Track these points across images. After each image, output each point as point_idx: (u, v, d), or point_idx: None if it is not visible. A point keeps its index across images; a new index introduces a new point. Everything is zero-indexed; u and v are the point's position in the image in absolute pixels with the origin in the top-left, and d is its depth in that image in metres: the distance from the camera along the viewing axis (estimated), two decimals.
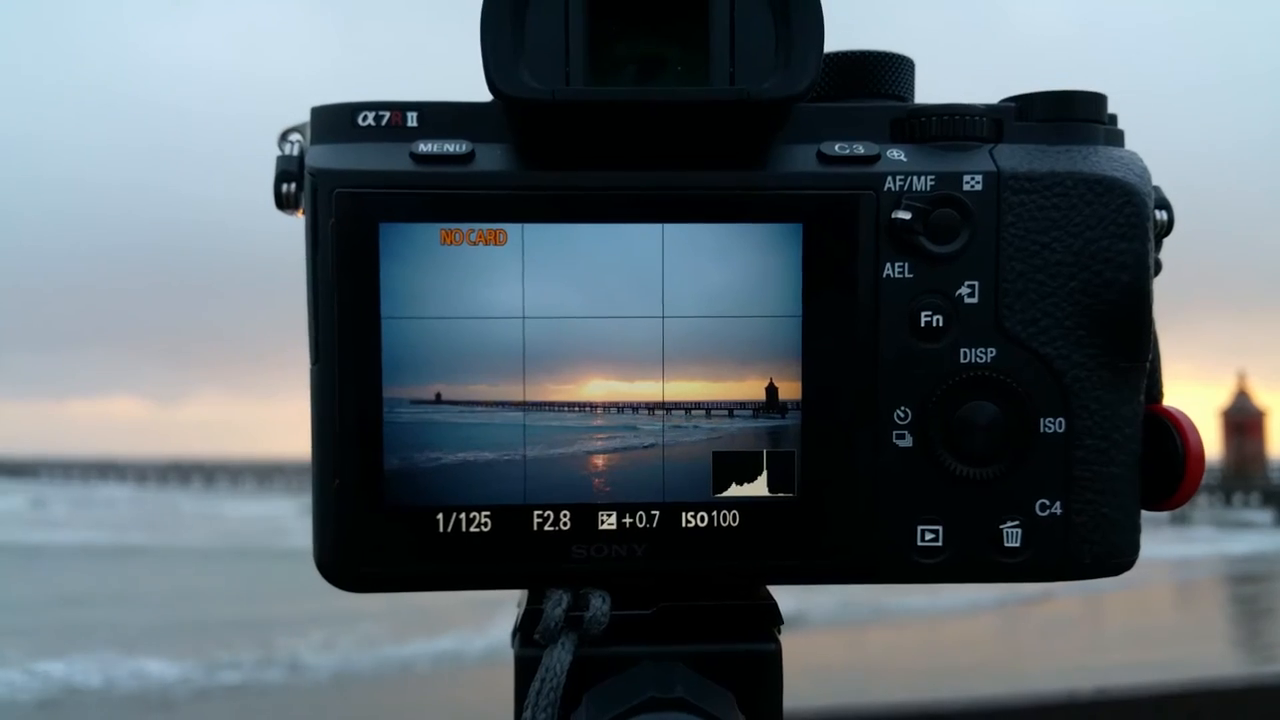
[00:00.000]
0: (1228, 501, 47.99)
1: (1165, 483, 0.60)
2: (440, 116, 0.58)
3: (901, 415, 0.57)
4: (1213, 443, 50.61)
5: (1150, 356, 0.59)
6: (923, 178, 0.57)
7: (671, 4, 0.54)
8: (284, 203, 0.59)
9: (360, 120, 0.57)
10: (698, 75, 0.54)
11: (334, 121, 0.58)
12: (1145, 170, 0.60)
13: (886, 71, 0.63)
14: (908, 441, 0.57)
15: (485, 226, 0.55)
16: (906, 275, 0.57)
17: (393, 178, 0.55)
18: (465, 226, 0.55)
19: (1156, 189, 0.61)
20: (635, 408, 0.56)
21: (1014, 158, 0.58)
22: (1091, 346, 0.58)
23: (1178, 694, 1.86)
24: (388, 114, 0.58)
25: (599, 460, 0.56)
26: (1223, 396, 52.63)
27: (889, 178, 0.57)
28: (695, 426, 0.57)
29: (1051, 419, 0.58)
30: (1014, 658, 13.44)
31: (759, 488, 0.57)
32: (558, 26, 0.53)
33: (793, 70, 0.53)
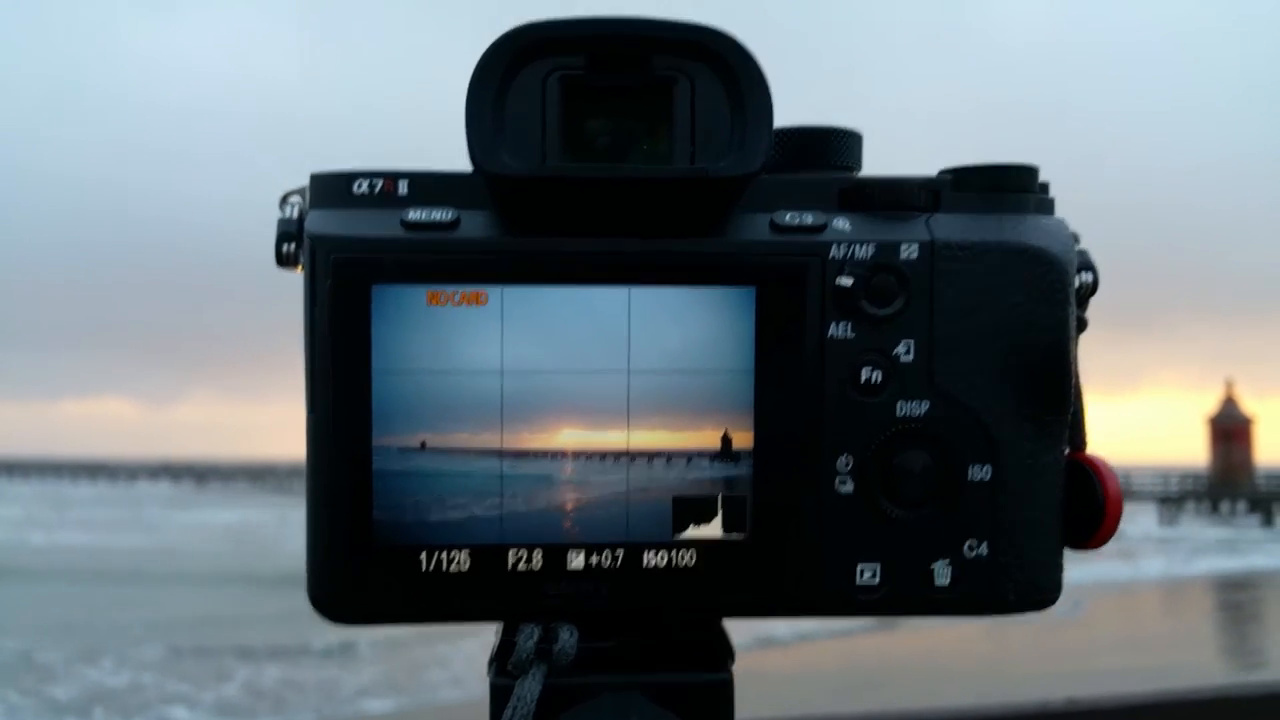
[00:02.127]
0: (1215, 509, 48.16)
1: (1087, 525, 0.65)
2: (429, 185, 0.63)
3: (844, 463, 0.63)
4: (1200, 450, 50.75)
5: (1072, 409, 0.65)
6: (864, 246, 0.62)
7: (639, 89, 0.60)
8: (284, 261, 0.64)
9: (356, 188, 0.63)
10: (662, 154, 0.60)
11: (331, 188, 0.63)
12: (1069, 238, 0.66)
13: (835, 145, 0.69)
14: (849, 487, 0.63)
15: (468, 288, 0.60)
16: (849, 335, 0.62)
17: (385, 244, 0.60)
18: (450, 288, 0.60)
19: (1082, 252, 0.67)
20: (603, 455, 0.62)
21: (948, 227, 0.64)
22: (1016, 401, 0.63)
23: (1149, 704, 1.91)
24: (381, 181, 0.63)
25: (569, 503, 0.61)
26: (1210, 404, 52.85)
27: (834, 246, 0.62)
28: (657, 472, 0.62)
29: (979, 466, 0.63)
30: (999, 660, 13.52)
31: (714, 529, 0.62)
32: (535, 109, 0.59)
33: (747, 151, 0.58)
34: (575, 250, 0.61)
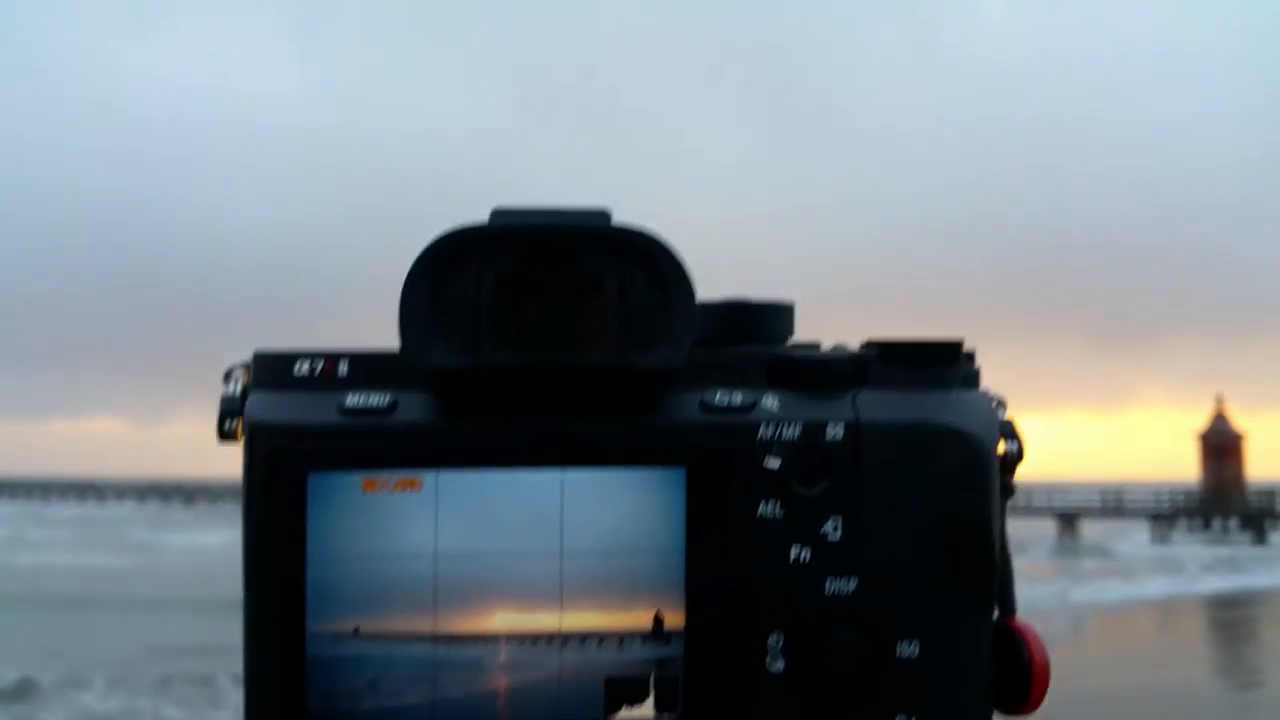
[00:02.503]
0: (1207, 525, 48.23)
1: (1016, 692, 0.67)
2: (369, 366, 0.64)
3: (775, 641, 0.64)
4: (1191, 466, 50.78)
5: (998, 580, 0.66)
6: (792, 425, 0.64)
7: (570, 283, 0.61)
8: (225, 435, 0.65)
9: (296, 370, 0.64)
10: (593, 345, 0.61)
11: (273, 369, 0.64)
12: (992, 413, 0.67)
13: (766, 319, 0.70)
14: (780, 665, 0.64)
15: (404, 474, 0.62)
16: (778, 514, 0.64)
17: (322, 431, 0.62)
18: (385, 474, 0.61)
19: (1005, 423, 0.68)
20: (535, 638, 0.62)
21: (874, 405, 0.65)
22: (943, 577, 0.64)
23: None
24: (322, 363, 0.64)
25: (502, 688, 0.62)
26: (1200, 420, 53.00)
27: (763, 425, 0.64)
28: (589, 654, 0.63)
29: (908, 643, 0.64)
30: None
31: (646, 710, 0.63)
32: (469, 303, 0.60)
33: (674, 344, 0.60)
34: (509, 434, 0.62)
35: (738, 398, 0.64)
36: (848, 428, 0.64)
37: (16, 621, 17.52)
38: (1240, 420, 52.36)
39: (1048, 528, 46.09)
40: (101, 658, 14.16)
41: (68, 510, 75.28)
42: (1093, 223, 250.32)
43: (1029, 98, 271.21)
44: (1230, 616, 22.76)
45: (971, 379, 0.68)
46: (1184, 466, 53.62)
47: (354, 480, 0.61)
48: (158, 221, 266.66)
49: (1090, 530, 46.25)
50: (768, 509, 0.63)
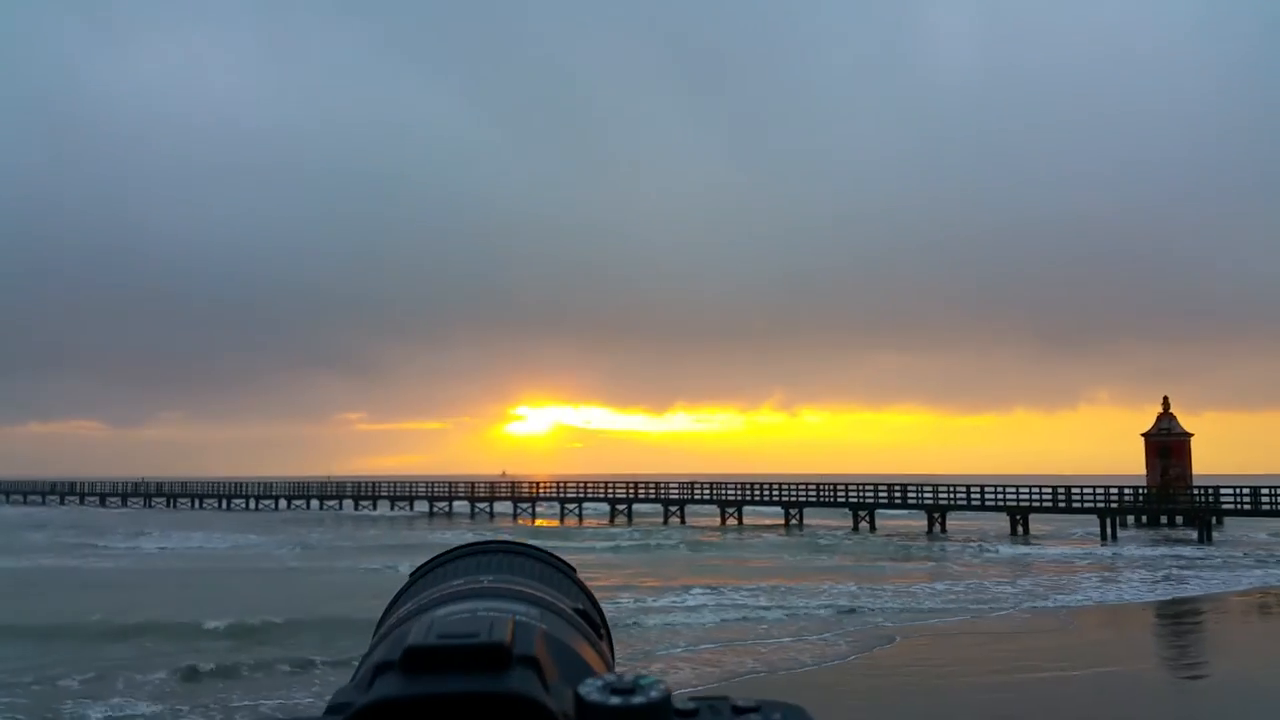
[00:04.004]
0: (1155, 522, 50.04)
1: None
2: None
3: None
4: (1138, 464, 52.72)
5: None
6: None
7: None
8: None
9: None
10: None
11: None
12: None
13: None
14: None
15: None
16: None
17: None
18: None
19: None
20: None
21: None
22: None
23: None
24: None
25: None
26: (1146, 421, 55.08)
27: None
28: None
29: None
30: None
31: None
32: None
33: None
34: None
35: None
36: None
37: None
38: (1185, 421, 54.53)
39: (1001, 522, 48.01)
40: None
41: (49, 513, 75.52)
42: (1041, 234, 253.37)
43: (979, 114, 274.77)
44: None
45: None
46: (1131, 464, 55.82)
47: None
48: (130, 230, 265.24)
49: (1040, 526, 48.06)
50: None
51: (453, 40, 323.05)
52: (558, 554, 0.83)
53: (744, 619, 20.76)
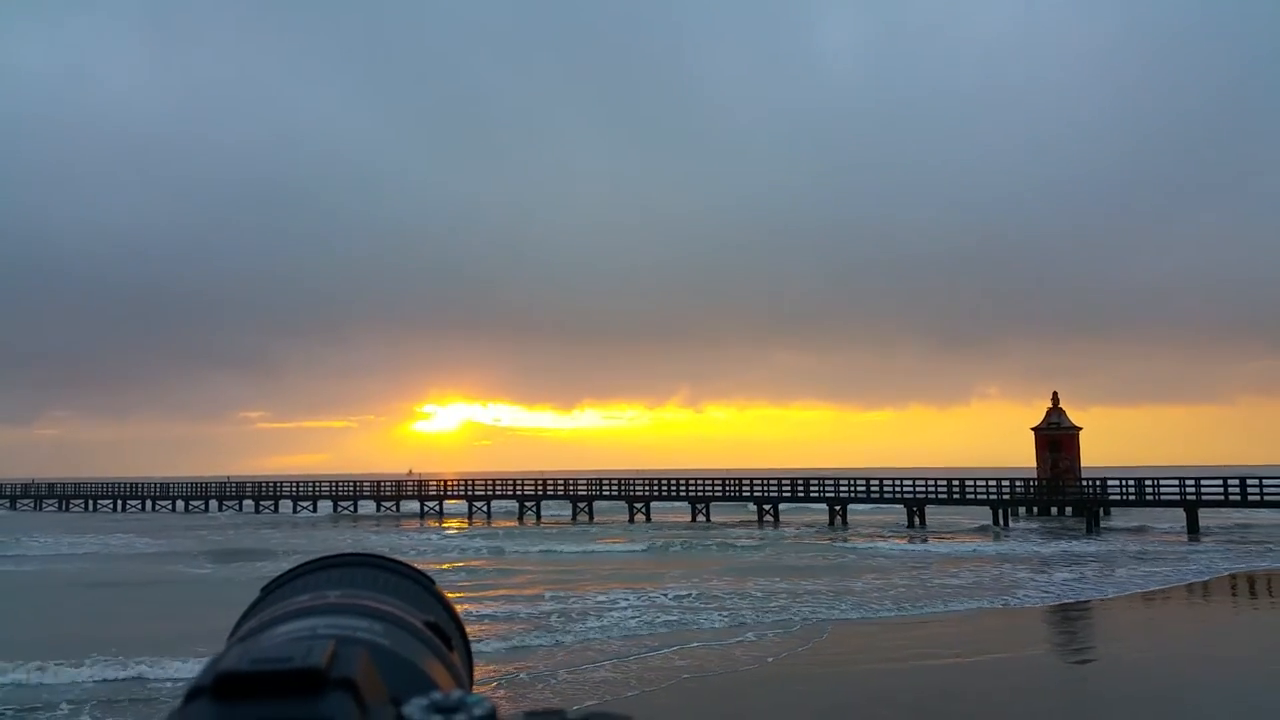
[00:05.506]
0: (1046, 512, 51.70)
1: None
2: None
3: None
4: (1028, 458, 54.43)
5: None
6: None
7: None
8: None
9: None
10: None
11: None
12: None
13: None
14: None
15: None
16: None
17: None
18: None
19: None
20: None
21: None
22: None
23: None
24: None
25: None
26: (1036, 415, 56.93)
27: None
28: None
29: None
30: None
31: None
32: None
33: None
34: None
35: None
36: None
37: None
38: (1073, 415, 56.48)
39: (899, 515, 49.12)
40: None
41: None
42: (934, 239, 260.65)
43: (873, 125, 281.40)
44: None
45: None
46: (1022, 457, 57.62)
47: None
48: (29, 223, 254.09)
49: (934, 518, 49.35)
50: None
51: (345, 40, 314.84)
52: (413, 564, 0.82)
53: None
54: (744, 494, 55.19)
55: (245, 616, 0.76)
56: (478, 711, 0.52)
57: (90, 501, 78.91)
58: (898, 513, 50.28)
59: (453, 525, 55.20)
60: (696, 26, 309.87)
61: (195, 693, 0.51)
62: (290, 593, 0.76)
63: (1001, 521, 46.17)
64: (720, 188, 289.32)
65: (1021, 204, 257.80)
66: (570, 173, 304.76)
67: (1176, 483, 45.06)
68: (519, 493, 61.64)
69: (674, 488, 58.05)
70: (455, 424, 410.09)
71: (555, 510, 59.33)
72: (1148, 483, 46.10)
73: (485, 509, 60.85)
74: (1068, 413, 56.29)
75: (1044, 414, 56.36)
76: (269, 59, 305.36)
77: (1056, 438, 55.20)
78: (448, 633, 0.73)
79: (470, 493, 63.35)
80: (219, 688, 0.50)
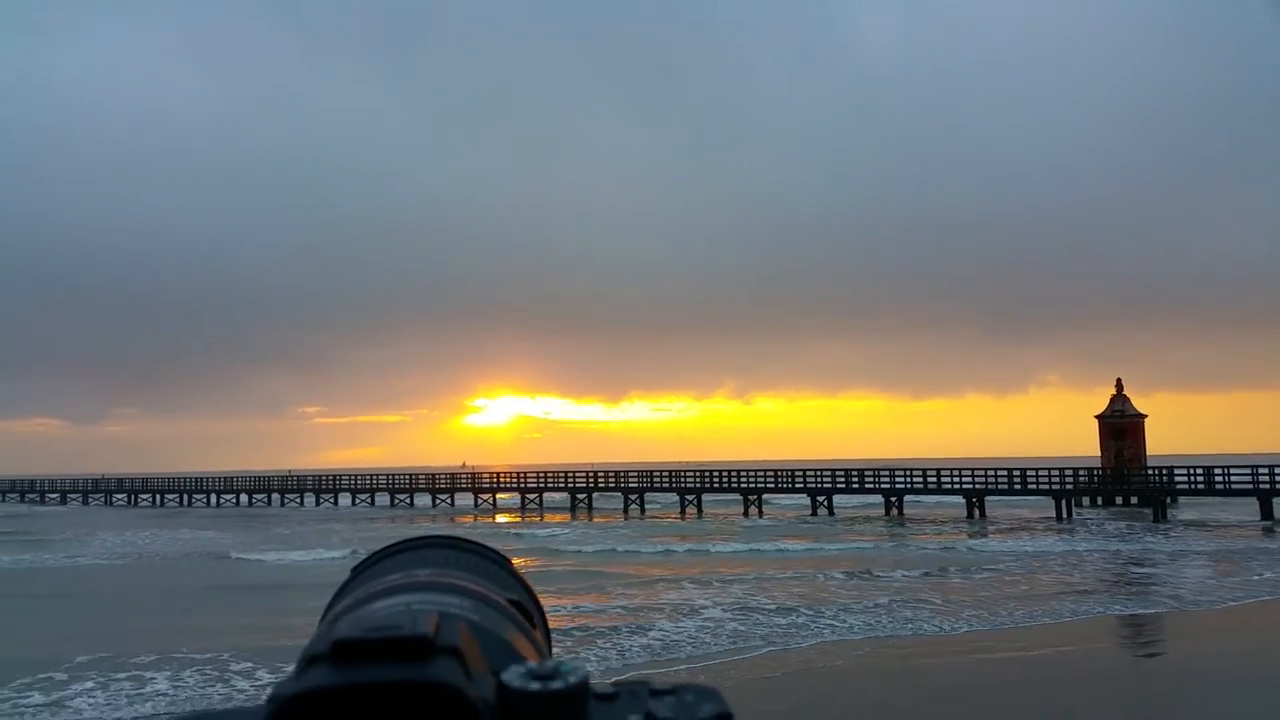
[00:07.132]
0: (1111, 502, 50.25)
1: None
2: None
3: None
4: (1091, 446, 52.83)
5: None
6: None
7: None
8: None
9: None
10: None
11: None
12: None
13: None
14: None
15: None
16: None
17: None
18: None
19: None
20: None
21: None
22: None
23: None
24: None
25: None
26: (1099, 403, 55.27)
27: None
28: None
29: None
30: None
31: None
32: None
33: None
34: None
35: None
36: None
37: None
38: (1138, 402, 54.73)
39: (957, 507, 47.89)
40: None
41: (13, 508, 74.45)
42: (986, 222, 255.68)
43: (926, 110, 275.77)
44: None
45: None
46: (1084, 446, 55.96)
47: None
48: (83, 231, 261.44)
49: (995, 510, 47.98)
50: None
51: (389, 36, 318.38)
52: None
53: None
54: (796, 485, 54.42)
55: (338, 596, 0.78)
56: (572, 679, 0.55)
57: (158, 496, 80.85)
58: (954, 504, 49.07)
59: (503, 517, 55.42)
60: (735, 5, 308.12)
61: (311, 660, 0.55)
62: (381, 572, 0.79)
63: (1065, 513, 44.81)
64: (762, 174, 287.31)
65: (1082, 185, 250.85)
66: (621, 172, 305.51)
67: (1249, 471, 43.40)
68: (571, 485, 61.67)
69: (725, 479, 57.51)
70: (506, 418, 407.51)
71: (601, 504, 59.24)
72: (1217, 471, 44.45)
73: (538, 501, 61.06)
74: (1133, 399, 54.61)
75: (1108, 401, 54.76)
76: (328, 66, 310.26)
77: (1121, 425, 53.59)
78: (529, 610, 0.77)
79: (524, 485, 63.62)
80: (337, 653, 0.54)
